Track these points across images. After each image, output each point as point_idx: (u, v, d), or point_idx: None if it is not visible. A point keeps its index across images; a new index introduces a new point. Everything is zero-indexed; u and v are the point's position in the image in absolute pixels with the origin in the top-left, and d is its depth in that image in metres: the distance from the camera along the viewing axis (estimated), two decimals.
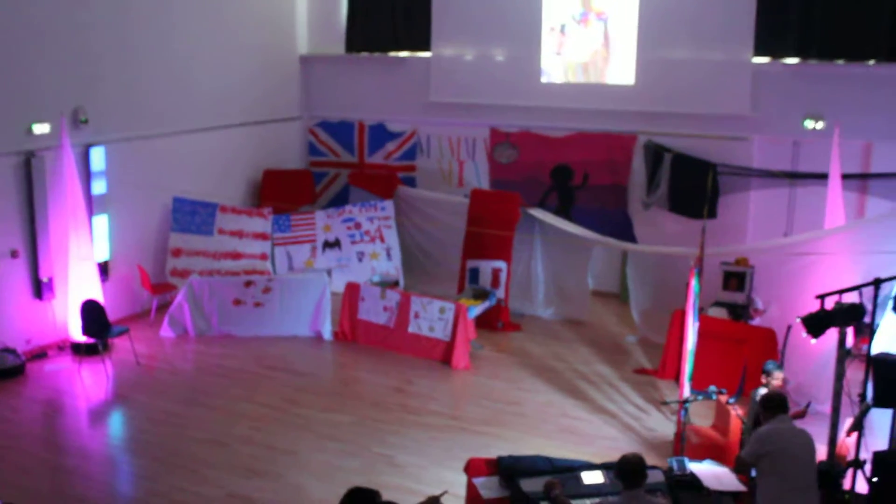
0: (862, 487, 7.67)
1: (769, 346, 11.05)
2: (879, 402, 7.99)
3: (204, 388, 11.48)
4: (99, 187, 13.18)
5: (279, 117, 17.21)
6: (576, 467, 7.34)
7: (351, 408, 10.94)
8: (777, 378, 8.87)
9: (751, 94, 14.15)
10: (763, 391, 9.17)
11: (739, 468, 7.14)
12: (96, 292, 12.39)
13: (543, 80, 15.73)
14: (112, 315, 12.78)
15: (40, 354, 12.36)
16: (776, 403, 6.87)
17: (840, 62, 13.63)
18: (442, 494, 6.03)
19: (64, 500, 8.66)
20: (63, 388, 11.55)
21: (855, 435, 8.11)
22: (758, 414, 8.52)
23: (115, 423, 10.87)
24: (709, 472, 7.65)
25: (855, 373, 9.00)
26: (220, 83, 15.54)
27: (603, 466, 7.35)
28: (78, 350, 12.37)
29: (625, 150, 15.13)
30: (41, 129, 12.19)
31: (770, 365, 9.14)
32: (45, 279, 12.36)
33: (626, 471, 6.05)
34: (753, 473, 6.95)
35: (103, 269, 13.15)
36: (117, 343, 12.68)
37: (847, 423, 8.34)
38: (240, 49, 16.00)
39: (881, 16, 13.20)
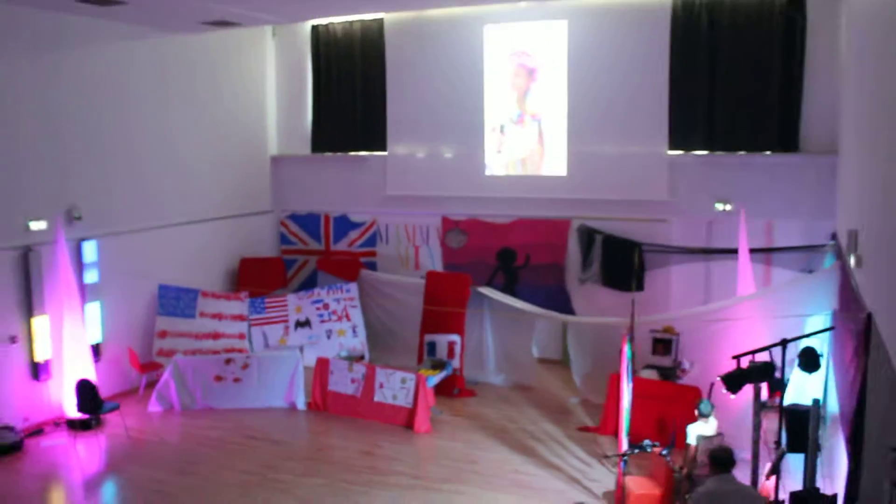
0: None
1: (696, 402, 11.21)
2: (793, 447, 8.19)
3: (191, 458, 11.32)
4: (91, 277, 13.14)
5: (253, 211, 17.33)
6: None
7: (325, 471, 10.86)
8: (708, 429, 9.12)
9: (668, 181, 14.60)
10: (697, 427, 9.39)
11: None
12: (89, 372, 12.25)
13: (487, 173, 16.09)
14: (104, 392, 12.63)
15: (37, 431, 12.11)
16: (722, 461, 6.72)
17: (742, 153, 14.16)
18: None
19: None
20: (59, 461, 11.31)
21: (773, 478, 8.27)
22: (695, 455, 8.70)
23: (109, 494, 10.65)
24: None
25: (771, 422, 9.22)
26: (200, 181, 15.67)
27: None
28: (73, 426, 12.17)
29: (560, 233, 15.44)
30: (38, 225, 12.20)
31: (704, 406, 9.40)
32: (41, 361, 12.19)
33: None
34: None
35: (96, 350, 13.03)
36: (109, 418, 12.48)
37: (766, 467, 8.50)
38: (218, 150, 16.18)
39: (774, 112, 13.77)
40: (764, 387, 8.82)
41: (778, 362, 8.76)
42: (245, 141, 17.18)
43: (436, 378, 13.19)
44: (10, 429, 11.60)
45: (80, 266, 12.95)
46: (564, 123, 15.38)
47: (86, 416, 12.00)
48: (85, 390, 11.87)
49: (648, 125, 14.66)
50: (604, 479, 10.56)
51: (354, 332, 15.81)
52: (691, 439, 9.47)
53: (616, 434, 11.44)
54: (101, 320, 13.37)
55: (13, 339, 11.92)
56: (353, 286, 16.04)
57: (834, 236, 12.47)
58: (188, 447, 11.81)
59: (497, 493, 10.06)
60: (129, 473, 10.92)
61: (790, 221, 13.67)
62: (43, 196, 12.35)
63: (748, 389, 8.37)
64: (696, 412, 9.69)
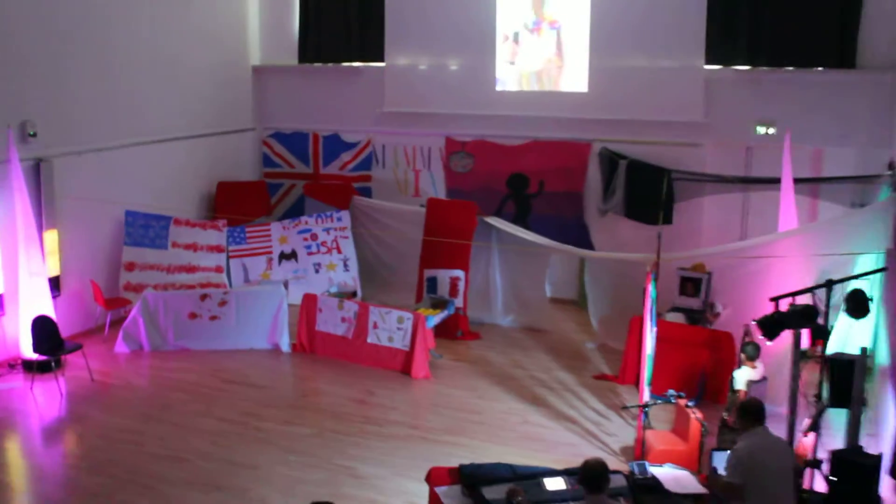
0: (820, 486, 7.82)
1: (727, 350, 11.23)
2: (835, 402, 8.16)
3: (161, 404, 11.37)
4: (49, 201, 13.01)
5: (232, 128, 17.14)
6: (538, 474, 7.42)
7: (311, 420, 10.91)
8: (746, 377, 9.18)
9: (703, 100, 14.39)
10: (745, 372, 9.41)
11: (725, 491, 6.76)
12: (48, 308, 12.22)
13: (498, 88, 15.86)
14: (64, 331, 12.61)
15: None
16: (753, 413, 6.72)
17: (790, 68, 13.92)
18: None
19: None
20: (15, 406, 11.35)
21: (812, 435, 8.27)
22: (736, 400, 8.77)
23: (70, 442, 10.72)
24: (669, 475, 7.77)
25: (811, 373, 9.20)
26: (171, 94, 15.44)
27: (565, 472, 7.43)
28: (30, 368, 12.16)
29: (580, 157, 15.29)
30: None
31: (751, 348, 9.40)
32: None
33: (589, 476, 6.09)
34: None
35: (54, 284, 12.97)
36: (70, 360, 12.50)
37: (805, 423, 8.50)
38: (192, 60, 15.92)
39: (829, 23, 13.52)
40: (805, 333, 8.75)
41: (821, 306, 8.70)
42: (223, 48, 16.90)
43: (436, 318, 13.17)
44: None
45: (36, 189, 12.79)
46: (587, 32, 15.09)
47: (44, 358, 11.99)
48: (43, 328, 11.88)
49: (682, 35, 14.39)
50: (622, 432, 10.58)
51: (346, 265, 15.77)
52: (740, 385, 9.45)
53: (637, 383, 11.46)
54: (60, 250, 13.29)
55: None
56: (345, 214, 15.95)
57: (891, 166, 12.31)
58: (158, 392, 11.85)
59: (503, 447, 10.09)
60: (93, 420, 10.95)
61: (842, 148, 13.49)
62: None
63: (787, 336, 8.31)
64: (742, 355, 9.68)
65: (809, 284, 8.65)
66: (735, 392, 9.52)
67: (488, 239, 14.52)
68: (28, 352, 12.08)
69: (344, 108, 17.10)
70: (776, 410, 9.93)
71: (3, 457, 10.24)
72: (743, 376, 9.54)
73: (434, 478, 7.57)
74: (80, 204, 13.39)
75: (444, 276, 14.21)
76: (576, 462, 8.14)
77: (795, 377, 8.10)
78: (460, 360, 13.11)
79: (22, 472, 9.79)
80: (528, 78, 15.70)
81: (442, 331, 13.48)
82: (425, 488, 7.65)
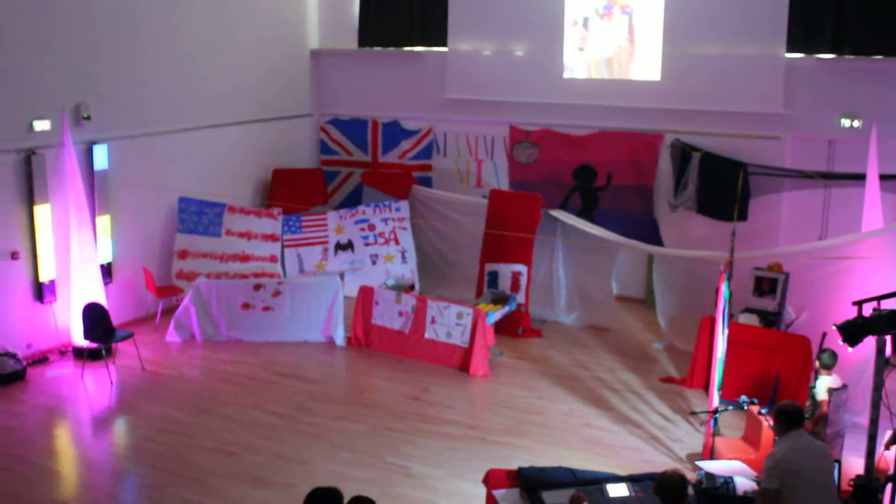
0: None
1: (803, 355, 11.01)
2: None
3: (211, 396, 11.53)
4: (102, 186, 13.25)
5: (289, 114, 17.29)
6: (600, 479, 7.34)
7: (365, 416, 10.97)
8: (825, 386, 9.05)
9: (784, 90, 14.12)
10: (822, 381, 9.26)
11: (764, 498, 6.60)
12: (99, 295, 12.47)
13: (566, 76, 15.75)
14: (116, 319, 12.86)
15: (42, 359, 12.43)
16: (790, 416, 6.66)
17: (878, 57, 13.58)
18: None
19: None
20: (65, 394, 11.61)
21: (894, 449, 8.07)
22: (815, 409, 8.69)
23: (120, 432, 10.91)
24: (726, 468, 7.62)
25: (892, 384, 8.96)
26: (227, 79, 15.62)
27: (628, 479, 7.34)
28: (80, 355, 12.42)
29: (650, 149, 15.13)
30: (42, 125, 12.30)
31: (829, 357, 9.26)
32: (46, 281, 12.42)
33: (667, 490, 5.97)
34: None
35: (106, 271, 13.24)
36: (121, 348, 12.76)
37: (887, 435, 8.30)
38: (248, 44, 16.08)
39: None
40: (888, 340, 8.53)
41: None
42: (281, 33, 17.04)
43: (497, 314, 13.13)
44: (11, 356, 11.92)
45: (89, 174, 13.06)
46: (661, 17, 14.91)
47: (95, 345, 12.23)
48: (94, 315, 12.11)
49: (762, 21, 14.13)
50: (689, 438, 10.46)
51: (404, 257, 15.81)
52: (821, 394, 9.28)
53: (706, 387, 11.32)
54: (113, 237, 13.54)
55: (14, 255, 12.15)
56: (404, 204, 15.98)
57: None
58: (209, 383, 12.01)
59: (564, 450, 10.03)
60: (143, 410, 11.15)
61: None
62: (48, 92, 12.39)
63: (869, 343, 8.09)
64: (818, 363, 9.51)
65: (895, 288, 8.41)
66: (816, 401, 9.34)
67: (552, 233, 14.44)
68: (79, 339, 12.33)
69: (404, 95, 17.14)
70: (856, 421, 9.77)
71: (53, 445, 10.48)
72: (823, 384, 9.36)
73: (492, 480, 7.53)
74: (134, 189, 13.62)
75: (505, 270, 14.16)
76: (640, 468, 8.11)
77: (879, 386, 7.88)
78: (521, 358, 13.07)
79: (71, 461, 9.99)
80: (598, 65, 15.55)
81: (502, 327, 13.45)
82: (482, 490, 7.61)
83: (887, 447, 8.26)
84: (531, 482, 7.24)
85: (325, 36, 17.88)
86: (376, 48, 17.42)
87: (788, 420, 6.65)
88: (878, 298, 8.02)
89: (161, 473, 9.46)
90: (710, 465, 7.66)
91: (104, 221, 13.30)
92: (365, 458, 9.86)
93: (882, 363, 7.92)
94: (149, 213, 14.30)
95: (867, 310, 7.96)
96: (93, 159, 13.08)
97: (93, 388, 11.81)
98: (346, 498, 5.91)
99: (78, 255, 12.32)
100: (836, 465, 7.35)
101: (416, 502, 8.85)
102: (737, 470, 7.54)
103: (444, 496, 9.02)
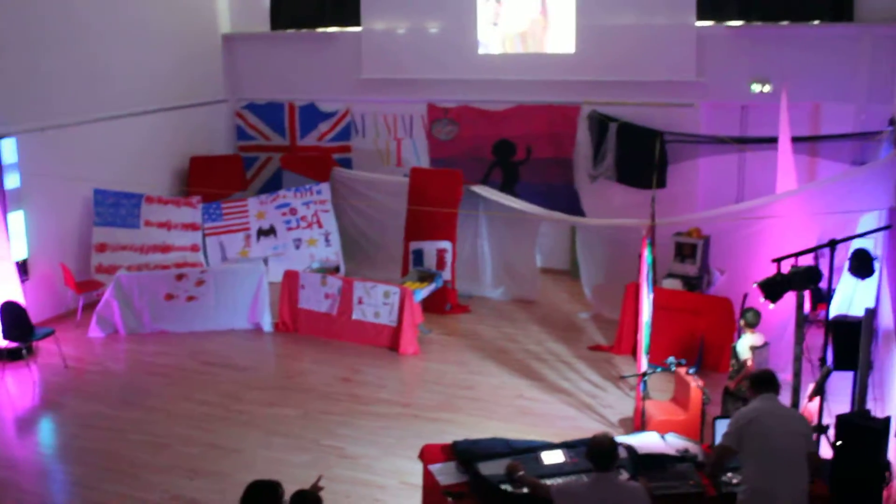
0: (826, 453, 7.86)
1: (726, 316, 11.26)
2: (840, 365, 8.19)
3: (139, 389, 11.33)
4: (12, 181, 12.87)
5: (203, 100, 16.99)
6: (535, 447, 7.40)
7: (296, 401, 10.90)
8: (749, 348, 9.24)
9: (696, 58, 14.32)
10: (744, 340, 9.46)
11: (717, 464, 6.74)
12: (16, 293, 12.14)
13: (481, 51, 15.76)
14: (35, 317, 12.54)
15: None
16: (763, 381, 6.71)
17: (784, 23, 13.87)
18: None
19: None
20: None
21: (817, 400, 8.30)
22: (740, 368, 8.87)
23: (46, 431, 10.69)
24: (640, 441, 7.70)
25: (812, 339, 9.23)
26: (137, 66, 15.24)
27: (563, 445, 7.42)
28: (0, 355, 12.11)
29: (568, 121, 15.24)
30: None
31: (752, 315, 9.45)
32: None
33: (598, 453, 6.01)
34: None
35: (22, 268, 12.88)
36: (42, 346, 12.43)
37: (809, 388, 8.53)
38: (158, 30, 15.71)
39: None
40: (806, 296, 8.76)
41: (824, 268, 8.71)
42: (190, 15, 16.71)
43: (424, 292, 13.13)
44: None
45: None
46: None
47: (14, 345, 11.93)
48: (12, 314, 11.78)
49: None
50: (620, 404, 10.65)
51: (327, 240, 15.72)
52: (744, 353, 9.47)
53: (633, 353, 11.51)
54: (27, 232, 13.18)
55: None
56: (325, 187, 15.87)
57: (892, 122, 12.30)
58: (136, 377, 11.82)
59: (498, 422, 10.11)
60: (69, 408, 10.91)
61: (840, 105, 13.48)
62: None
63: (789, 301, 8.32)
64: (742, 323, 9.70)
65: (811, 245, 8.64)
66: (740, 360, 9.55)
67: (475, 208, 14.47)
68: None
69: (320, 77, 16.97)
70: (779, 377, 10.02)
71: None
72: (745, 343, 9.57)
73: (427, 455, 7.56)
74: (46, 183, 13.24)
75: (430, 248, 14.18)
76: (573, 436, 8.20)
77: (800, 341, 8.11)
78: (450, 334, 13.12)
79: None
80: (512, 40, 15.60)
81: (430, 305, 13.47)
82: (418, 466, 7.63)
83: (810, 399, 8.50)
84: (466, 454, 7.27)
85: (237, 19, 17.58)
86: (290, 30, 17.21)
87: (759, 384, 6.71)
88: (796, 255, 8.26)
89: (92, 470, 9.27)
90: (627, 440, 7.73)
91: (17, 217, 12.93)
92: (299, 442, 9.81)
93: (802, 318, 8.16)
94: (64, 207, 13.95)
95: (786, 267, 8.18)
96: (0, 153, 12.69)
97: (14, 389, 11.50)
98: (287, 487, 5.85)
99: None
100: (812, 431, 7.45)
101: (353, 482, 8.84)
102: (653, 444, 7.60)
103: (381, 474, 9.04)
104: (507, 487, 6.70)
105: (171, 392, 11.21)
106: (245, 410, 10.66)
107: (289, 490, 5.83)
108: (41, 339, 12.16)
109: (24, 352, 12.04)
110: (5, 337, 11.78)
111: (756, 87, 13.87)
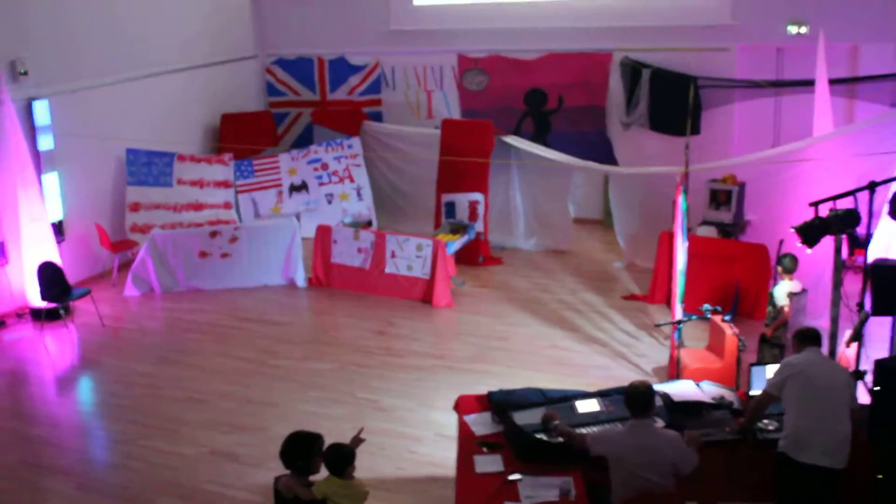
0: (864, 398, 7.78)
1: (761, 263, 11.16)
2: (879, 310, 8.06)
3: (176, 346, 11.45)
4: (46, 143, 12.93)
5: (233, 57, 16.95)
6: (569, 397, 7.38)
7: (331, 355, 10.97)
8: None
9: (730, 0, 14.05)
10: (780, 287, 9.38)
11: (757, 409, 6.79)
12: (53, 254, 12.26)
13: None
14: (71, 277, 12.67)
15: None
16: (807, 337, 6.75)
17: None
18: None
19: (37, 471, 8.63)
20: (26, 356, 11.45)
21: (855, 345, 8.21)
22: (777, 314, 8.83)
23: (85, 389, 10.83)
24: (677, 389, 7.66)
25: (849, 284, 9.09)
26: (166, 25, 15.22)
27: (598, 394, 7.40)
28: (38, 316, 12.23)
29: (600, 68, 15.04)
30: None
31: (789, 261, 9.36)
32: None
33: (636, 398, 6.02)
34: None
35: (58, 229, 12.98)
36: (79, 306, 12.57)
37: (846, 334, 8.43)
38: None
39: None
40: (844, 240, 8.62)
41: (863, 211, 8.55)
42: None
43: (456, 244, 13.12)
44: None
45: (31, 131, 12.71)
46: None
47: (53, 305, 12.06)
48: (49, 275, 11.92)
49: None
50: (654, 353, 10.62)
51: (359, 194, 15.71)
52: (781, 300, 9.39)
53: (668, 303, 11.44)
54: (62, 193, 13.27)
55: None
56: (356, 141, 15.83)
57: None
58: (172, 334, 11.93)
59: (532, 373, 10.10)
60: (107, 366, 11.05)
61: (879, 45, 13.19)
62: None
63: (826, 248, 8.18)
64: (779, 268, 9.60)
65: (849, 188, 8.48)
66: (777, 307, 9.46)
67: (507, 158, 14.40)
68: (35, 300, 12.12)
69: (349, 29, 16.84)
70: (816, 323, 9.90)
71: (20, 408, 10.29)
72: (783, 290, 9.46)
73: (462, 406, 7.56)
74: (80, 144, 13.32)
75: (462, 199, 14.14)
76: (607, 385, 8.15)
77: (837, 285, 7.99)
78: (483, 286, 13.12)
79: (40, 423, 9.85)
80: None
81: (462, 257, 13.48)
82: (453, 418, 7.64)
83: (847, 345, 8.41)
84: (501, 405, 7.27)
85: None
86: None
87: (804, 338, 6.74)
88: (834, 199, 8.09)
89: (131, 426, 9.40)
90: (663, 388, 7.69)
91: (52, 178, 13.02)
92: (335, 395, 9.87)
93: (840, 262, 8.03)
94: (97, 167, 14.03)
95: (823, 211, 8.03)
96: (33, 116, 12.75)
97: (54, 349, 11.67)
98: (330, 437, 5.92)
99: (27, 215, 12.08)
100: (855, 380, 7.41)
101: (388, 434, 8.88)
102: (688, 391, 7.57)
103: (416, 426, 9.08)
104: (542, 436, 6.70)
105: (208, 348, 11.32)
106: (280, 365, 10.74)
107: (327, 443, 5.88)
108: (78, 298, 12.29)
109: (61, 312, 12.17)
110: (43, 298, 11.91)
111: (793, 29, 13.58)
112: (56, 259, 12.22)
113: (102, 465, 8.91)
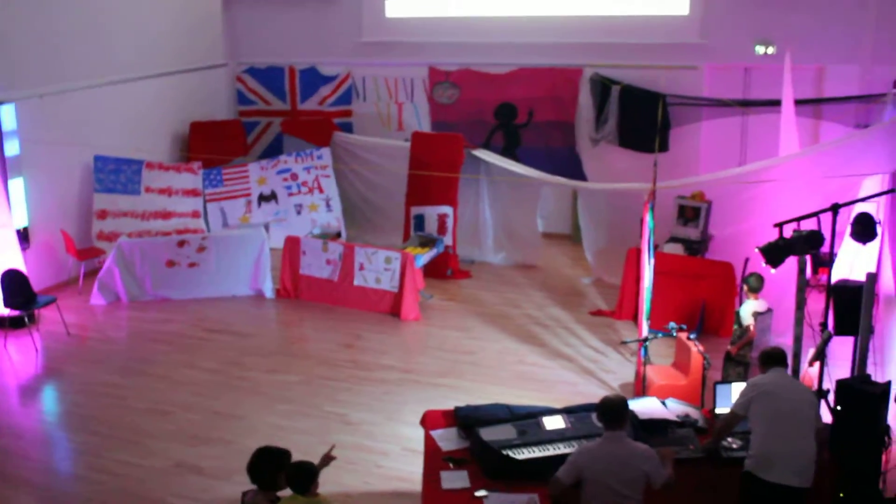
0: (827, 418, 7.89)
1: (727, 281, 11.28)
2: (841, 329, 8.19)
3: (141, 356, 11.38)
4: (11, 148, 12.82)
5: (203, 65, 16.89)
6: (536, 413, 7.43)
7: (298, 367, 10.95)
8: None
9: (699, 20, 14.25)
10: (746, 306, 9.48)
11: (724, 429, 6.90)
12: (17, 261, 12.15)
13: (482, 13, 15.62)
14: (36, 285, 12.54)
15: None
16: (773, 357, 6.84)
17: None
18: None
19: None
20: None
21: (817, 365, 8.32)
22: (742, 333, 8.93)
23: (49, 399, 10.73)
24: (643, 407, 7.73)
25: (813, 304, 9.22)
26: (137, 31, 15.14)
27: (564, 410, 7.45)
28: (2, 324, 12.07)
29: (570, 84, 15.16)
30: None
31: (755, 280, 9.47)
32: None
33: (609, 410, 6.05)
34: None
35: (23, 236, 12.88)
36: (44, 314, 12.45)
37: (810, 353, 8.55)
38: None
39: None
40: (808, 260, 8.75)
41: (826, 232, 8.69)
42: None
43: (425, 257, 13.14)
44: None
45: None
46: None
47: (16, 313, 11.96)
48: (13, 282, 11.81)
49: None
50: (621, 369, 10.70)
51: (328, 205, 15.70)
52: (747, 319, 9.51)
53: (635, 318, 11.53)
54: (27, 200, 13.16)
55: None
56: (326, 152, 15.82)
57: None
58: (138, 344, 11.85)
59: (499, 387, 10.16)
60: (72, 376, 10.96)
61: (844, 67, 13.40)
62: None
63: (790, 266, 8.30)
64: (745, 287, 9.71)
65: (813, 210, 8.62)
66: (743, 326, 9.57)
67: (477, 172, 14.46)
68: None
69: (320, 40, 16.85)
70: (779, 341, 10.04)
71: None
72: (748, 309, 9.58)
73: (429, 421, 7.60)
74: (46, 150, 13.21)
75: (431, 213, 14.18)
76: (574, 401, 8.23)
77: (801, 305, 8.11)
78: (451, 299, 13.15)
79: (3, 433, 9.73)
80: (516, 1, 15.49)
81: (431, 270, 13.49)
82: (420, 432, 7.66)
83: (811, 364, 8.52)
84: (468, 420, 7.30)
85: None
86: None
87: (769, 359, 6.84)
88: (798, 220, 8.22)
89: (95, 438, 9.32)
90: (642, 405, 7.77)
91: (17, 184, 12.91)
92: (302, 408, 9.86)
93: (804, 282, 8.15)
94: (64, 173, 13.93)
95: (788, 231, 8.16)
96: (0, 120, 12.67)
97: (17, 357, 11.54)
98: (296, 451, 5.94)
99: None
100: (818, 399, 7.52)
101: (355, 448, 8.88)
102: (653, 409, 7.64)
103: (384, 441, 9.09)
104: (508, 453, 6.74)
105: (174, 359, 11.26)
106: (248, 377, 10.70)
107: (294, 457, 5.90)
108: (43, 306, 12.17)
109: (26, 320, 12.06)
110: (7, 305, 11.80)
111: (760, 49, 13.76)
112: (21, 266, 12.11)
113: (66, 476, 8.84)
